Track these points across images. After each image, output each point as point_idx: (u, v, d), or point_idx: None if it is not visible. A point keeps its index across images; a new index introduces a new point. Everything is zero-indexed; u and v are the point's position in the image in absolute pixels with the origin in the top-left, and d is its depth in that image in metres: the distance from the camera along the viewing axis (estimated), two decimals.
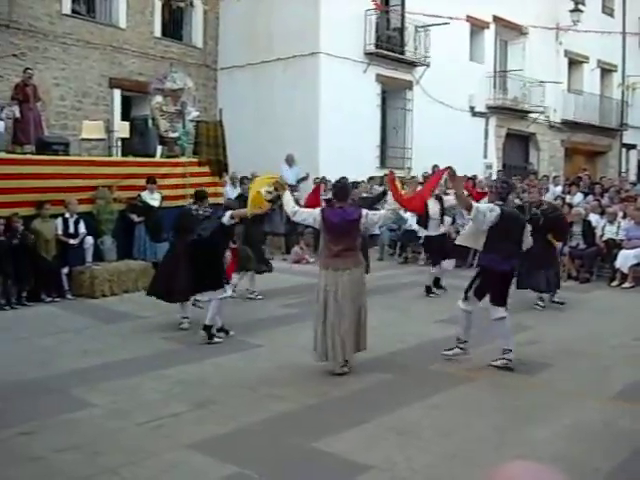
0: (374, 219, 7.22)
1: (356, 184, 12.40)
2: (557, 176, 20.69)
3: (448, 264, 11.53)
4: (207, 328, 8.34)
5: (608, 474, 4.83)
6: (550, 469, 1.48)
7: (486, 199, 10.48)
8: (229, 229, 8.58)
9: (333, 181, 13.71)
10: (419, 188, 11.14)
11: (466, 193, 8.84)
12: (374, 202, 10.89)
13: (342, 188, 7.42)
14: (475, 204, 7.41)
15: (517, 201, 13.13)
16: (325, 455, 5.13)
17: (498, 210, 7.21)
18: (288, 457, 5.13)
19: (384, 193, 12.08)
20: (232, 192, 15.07)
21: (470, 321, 7.52)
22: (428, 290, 11.42)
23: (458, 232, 11.44)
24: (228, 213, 8.38)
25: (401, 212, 15.85)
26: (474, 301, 7.49)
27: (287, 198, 7.44)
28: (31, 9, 16.69)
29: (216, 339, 8.31)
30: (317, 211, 7.29)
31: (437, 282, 11.63)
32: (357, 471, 4.86)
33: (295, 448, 5.27)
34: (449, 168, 7.40)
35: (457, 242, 7.80)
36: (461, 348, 7.59)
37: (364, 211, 7.19)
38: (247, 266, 10.74)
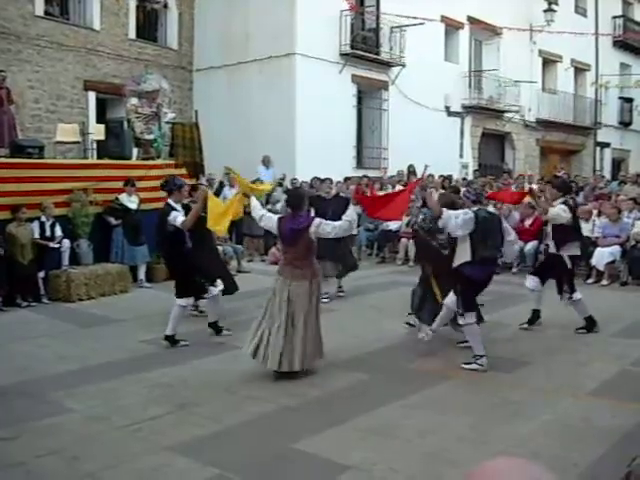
0: (326, 229, 7.05)
1: (322, 180, 12.16)
2: (532, 174, 20.84)
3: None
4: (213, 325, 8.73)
5: (586, 469, 4.89)
6: (532, 464, 1.49)
7: (527, 199, 10.55)
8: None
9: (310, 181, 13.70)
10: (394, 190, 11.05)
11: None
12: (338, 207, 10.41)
13: (295, 197, 7.45)
14: (446, 210, 7.40)
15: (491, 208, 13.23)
16: (305, 456, 5.14)
17: (471, 214, 7.23)
18: (268, 458, 5.13)
19: (346, 200, 11.95)
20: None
21: (476, 332, 7.38)
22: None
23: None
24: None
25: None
26: (471, 319, 7.39)
27: (254, 203, 7.62)
28: (4, 10, 16.54)
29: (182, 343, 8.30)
30: (275, 218, 7.35)
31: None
32: (337, 471, 4.87)
33: (275, 449, 5.28)
34: (420, 179, 7.44)
35: (455, 265, 7.57)
36: (479, 364, 7.29)
37: (316, 220, 7.07)
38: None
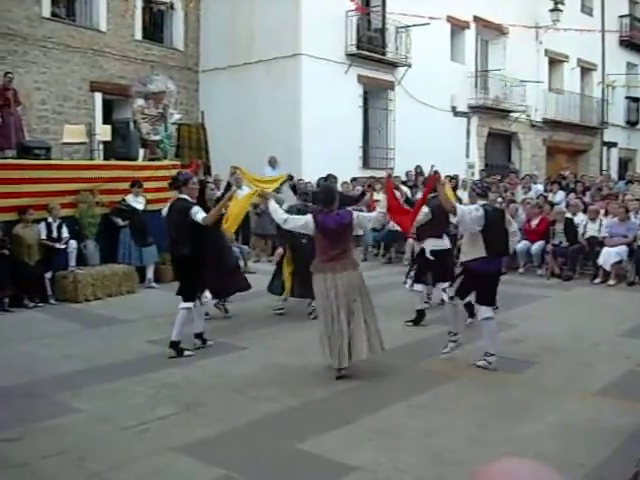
0: (364, 221, 7.22)
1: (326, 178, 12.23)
2: (534, 174, 20.83)
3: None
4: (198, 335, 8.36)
5: (593, 469, 4.88)
6: (540, 464, 1.48)
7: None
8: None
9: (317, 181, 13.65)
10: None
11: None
12: (351, 203, 10.73)
13: (328, 193, 7.40)
14: (459, 206, 7.43)
15: (499, 200, 13.23)
16: (311, 456, 5.14)
17: (482, 210, 7.24)
18: (274, 459, 5.13)
19: (362, 194, 12.12)
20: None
21: (457, 313, 7.66)
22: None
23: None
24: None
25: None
26: (457, 300, 7.61)
27: (273, 207, 7.36)
28: (10, 12, 16.57)
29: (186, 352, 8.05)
30: (309, 217, 7.12)
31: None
32: (343, 472, 4.87)
33: (281, 450, 5.28)
34: (436, 173, 7.42)
35: (463, 260, 7.63)
36: (453, 341, 7.67)
37: (355, 213, 7.17)
38: None
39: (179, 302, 8.07)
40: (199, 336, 8.36)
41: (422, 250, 9.27)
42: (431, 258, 9.11)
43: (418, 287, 9.38)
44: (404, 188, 14.03)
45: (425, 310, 9.50)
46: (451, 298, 7.64)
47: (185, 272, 8.15)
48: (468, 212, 7.23)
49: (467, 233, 7.51)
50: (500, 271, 7.71)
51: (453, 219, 7.63)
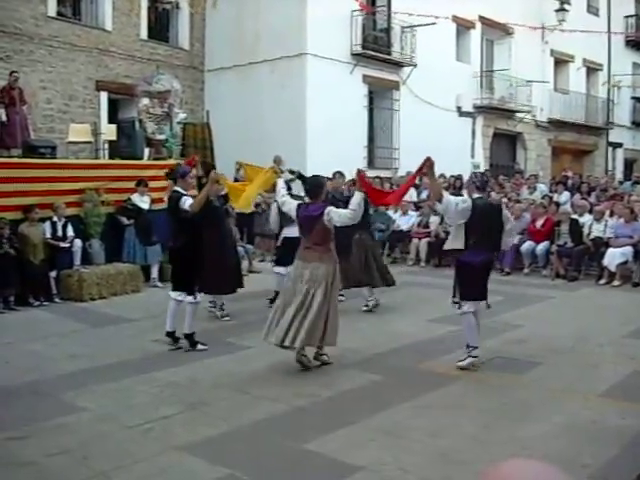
0: (334, 217, 7.19)
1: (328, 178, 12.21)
2: (538, 174, 20.81)
3: None
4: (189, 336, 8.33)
5: (597, 470, 4.86)
6: (547, 465, 1.48)
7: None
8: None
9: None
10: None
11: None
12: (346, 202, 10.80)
13: (314, 185, 7.53)
14: (446, 195, 7.38)
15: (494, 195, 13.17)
16: (315, 456, 5.14)
17: (469, 202, 7.18)
18: (279, 458, 5.14)
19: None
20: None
21: (472, 324, 7.29)
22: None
23: (447, 232, 11.33)
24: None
25: (389, 212, 15.95)
26: (465, 306, 7.31)
27: (280, 186, 8.02)
28: (16, 12, 16.61)
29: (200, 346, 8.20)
30: (295, 204, 7.52)
31: None
32: (347, 472, 4.86)
33: (286, 449, 5.28)
34: (428, 159, 7.28)
35: (445, 248, 7.73)
36: (473, 356, 7.28)
37: (327, 208, 7.22)
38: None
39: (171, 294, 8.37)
40: (171, 334, 8.36)
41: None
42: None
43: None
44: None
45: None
46: (457, 305, 7.39)
47: (175, 265, 8.41)
48: (455, 203, 7.17)
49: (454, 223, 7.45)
50: (487, 265, 7.36)
51: (437, 207, 7.59)
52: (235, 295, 10.12)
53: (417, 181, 13.40)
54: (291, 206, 7.55)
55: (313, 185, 7.54)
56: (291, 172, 8.69)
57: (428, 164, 7.23)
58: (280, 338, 7.04)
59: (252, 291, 11.08)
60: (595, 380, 7.05)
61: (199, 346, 8.16)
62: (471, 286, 7.27)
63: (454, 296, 7.45)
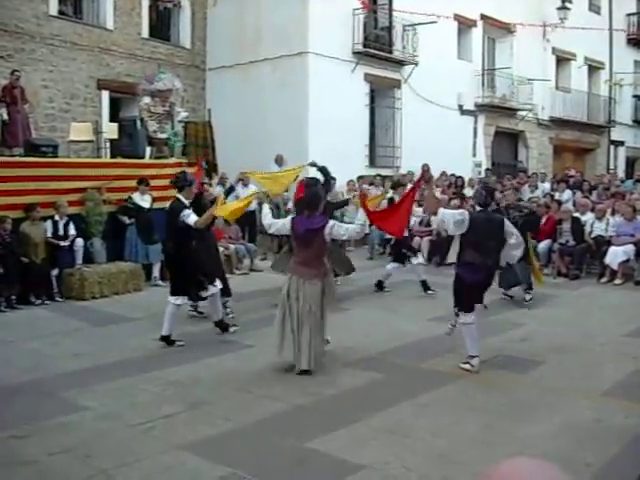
0: (340, 232, 7.23)
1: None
2: (543, 173, 20.80)
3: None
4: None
5: (599, 469, 4.87)
6: (549, 464, 1.48)
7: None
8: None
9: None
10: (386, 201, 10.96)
11: None
12: (336, 208, 10.97)
13: (312, 197, 7.44)
14: (441, 209, 7.39)
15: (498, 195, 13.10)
16: (318, 455, 5.14)
17: (466, 216, 7.16)
18: (281, 457, 5.14)
19: (346, 202, 12.28)
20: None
21: (472, 333, 7.27)
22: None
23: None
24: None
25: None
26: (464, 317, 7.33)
27: (265, 211, 7.88)
28: (18, 11, 16.59)
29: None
30: (288, 219, 7.50)
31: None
32: (350, 470, 4.87)
33: (288, 448, 5.28)
34: (426, 168, 7.30)
35: (449, 261, 7.64)
36: (472, 365, 7.25)
37: (331, 222, 7.22)
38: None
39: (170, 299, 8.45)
40: (219, 323, 8.77)
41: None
42: None
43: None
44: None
45: None
46: (456, 315, 7.43)
47: (177, 268, 8.51)
48: (451, 216, 7.18)
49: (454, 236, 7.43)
50: (481, 285, 7.35)
51: (432, 221, 7.58)
52: (236, 294, 10.11)
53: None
54: (278, 226, 7.51)
55: (311, 197, 7.48)
56: (312, 165, 8.76)
57: (425, 178, 7.26)
58: (306, 364, 7.09)
59: (253, 290, 11.10)
60: (597, 379, 7.05)
61: (177, 343, 8.29)
62: (466, 301, 7.32)
63: (455, 306, 7.48)
